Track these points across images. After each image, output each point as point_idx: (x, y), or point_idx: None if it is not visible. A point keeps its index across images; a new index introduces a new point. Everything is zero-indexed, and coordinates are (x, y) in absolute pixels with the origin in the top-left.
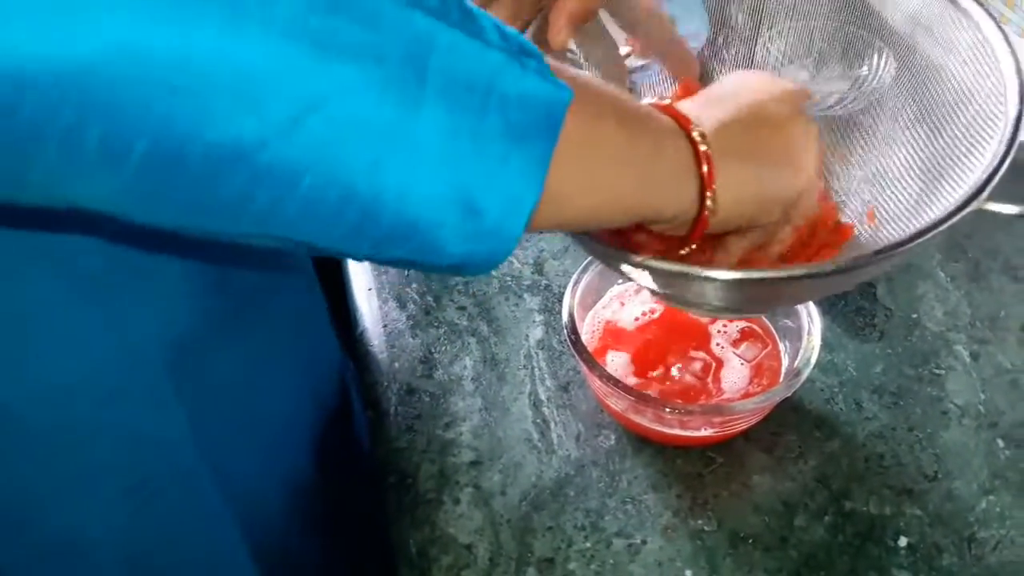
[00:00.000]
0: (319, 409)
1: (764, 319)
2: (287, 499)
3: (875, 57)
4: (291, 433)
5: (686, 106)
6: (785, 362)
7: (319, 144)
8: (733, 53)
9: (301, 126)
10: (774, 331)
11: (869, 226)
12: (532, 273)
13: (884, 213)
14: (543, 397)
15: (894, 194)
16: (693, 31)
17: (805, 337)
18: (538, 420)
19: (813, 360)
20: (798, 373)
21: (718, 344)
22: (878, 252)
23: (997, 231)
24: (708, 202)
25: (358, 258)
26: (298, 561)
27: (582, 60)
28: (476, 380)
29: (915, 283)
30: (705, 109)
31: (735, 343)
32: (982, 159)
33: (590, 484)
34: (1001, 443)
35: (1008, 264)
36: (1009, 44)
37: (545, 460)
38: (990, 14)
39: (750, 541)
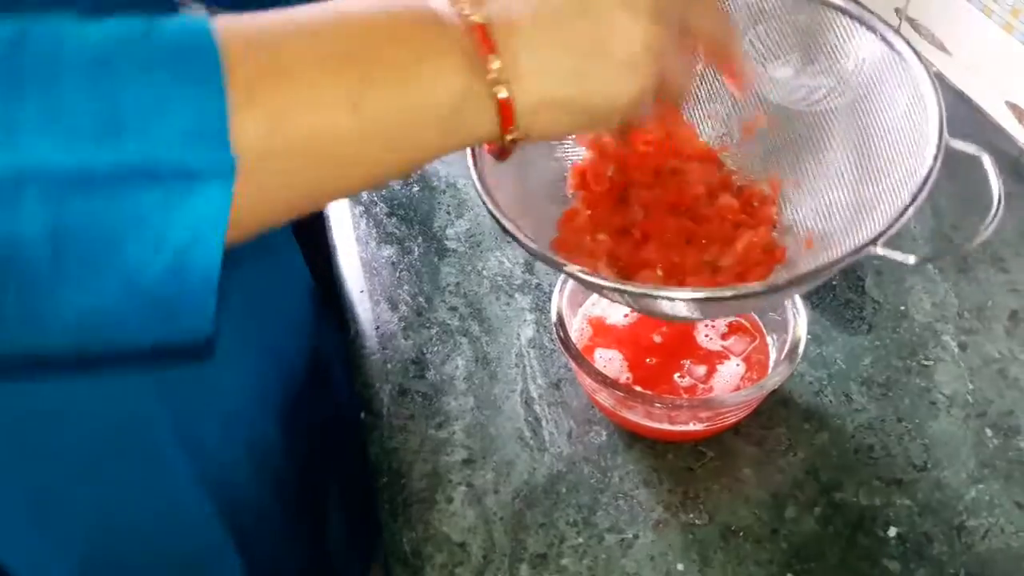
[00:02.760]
0: (287, 377)
1: (752, 314)
2: (255, 466)
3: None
4: (259, 400)
5: None
6: (773, 355)
7: None
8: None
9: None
10: (762, 325)
11: (807, 250)
12: (523, 272)
13: (822, 240)
14: (535, 395)
15: (833, 222)
16: None
17: (792, 330)
18: (530, 418)
19: (800, 353)
20: (785, 366)
21: (707, 337)
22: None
23: (983, 222)
24: (499, 90)
25: None
26: (271, 527)
27: None
28: (468, 379)
29: (903, 275)
30: None
31: (723, 337)
32: (897, 204)
33: (582, 480)
34: (989, 432)
35: (995, 255)
36: (939, 104)
37: (537, 457)
38: (928, 70)
39: (741, 534)
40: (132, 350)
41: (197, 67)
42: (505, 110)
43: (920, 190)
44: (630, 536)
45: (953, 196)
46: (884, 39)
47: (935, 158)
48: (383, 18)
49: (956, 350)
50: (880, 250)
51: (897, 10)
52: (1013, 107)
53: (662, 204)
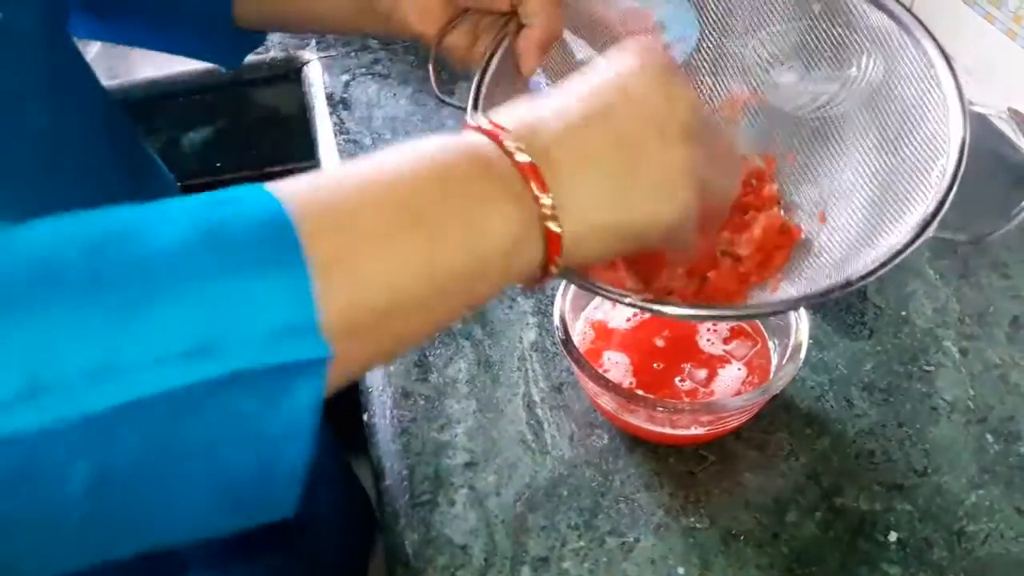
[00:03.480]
0: None
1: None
2: None
3: (863, 58)
4: None
5: (525, 113)
6: (775, 360)
7: None
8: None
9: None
10: (763, 329)
11: (821, 226)
12: None
13: (835, 220)
14: (537, 398)
15: (847, 195)
16: (681, 35)
17: (793, 335)
18: (532, 421)
19: (802, 358)
20: (786, 371)
21: (708, 341)
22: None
23: (986, 228)
24: (551, 225)
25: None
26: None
27: (546, 84)
28: (470, 382)
29: (905, 280)
30: (551, 118)
31: (725, 341)
32: (927, 182)
33: (583, 484)
34: (990, 438)
35: (996, 261)
36: (952, 69)
37: (539, 460)
38: (936, 41)
39: (742, 538)
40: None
41: (280, 257)
42: (553, 243)
43: (960, 160)
44: (631, 540)
45: (955, 200)
46: (885, 10)
47: (964, 126)
48: (436, 173)
49: (957, 356)
50: (939, 233)
51: None
52: (1016, 113)
53: None
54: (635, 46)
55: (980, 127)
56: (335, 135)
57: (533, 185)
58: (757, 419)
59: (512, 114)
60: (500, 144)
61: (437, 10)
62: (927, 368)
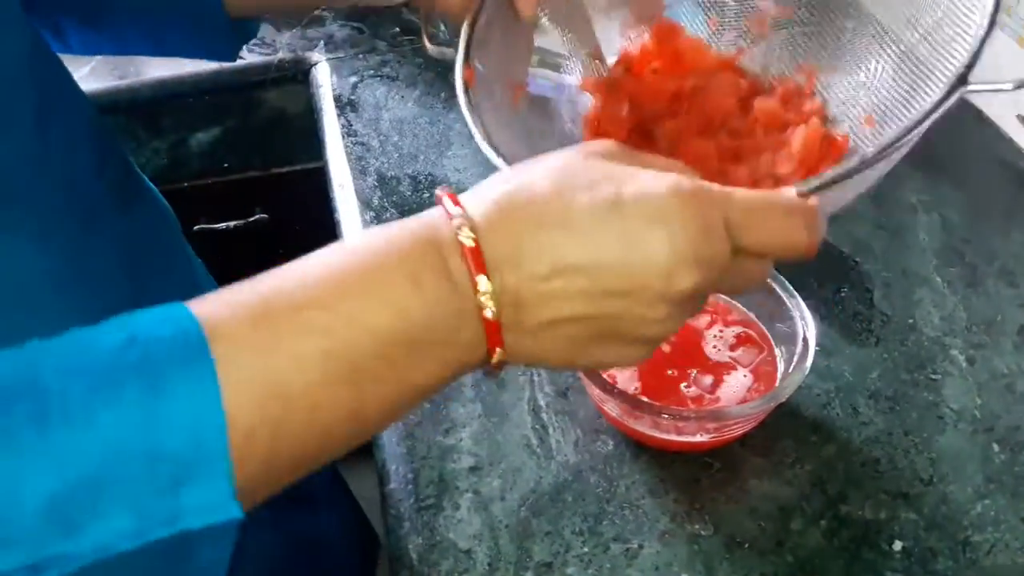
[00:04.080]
0: None
1: (760, 324)
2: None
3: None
4: None
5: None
6: (781, 367)
7: None
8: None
9: None
10: (770, 336)
11: (868, 131)
12: None
13: (883, 116)
14: (542, 403)
15: (891, 93)
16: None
17: (800, 342)
18: (537, 426)
19: (808, 365)
20: (793, 378)
21: (715, 348)
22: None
23: (993, 236)
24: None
25: None
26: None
27: (551, 27)
28: (476, 387)
29: (912, 288)
30: (524, 262)
31: (731, 348)
32: (965, 42)
33: (588, 489)
34: (996, 447)
35: (1004, 269)
36: None
37: (544, 466)
38: None
39: (746, 546)
40: None
41: (198, 409)
42: (492, 330)
43: (993, 17)
44: (635, 546)
45: (964, 208)
46: None
47: None
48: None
49: (964, 364)
50: (973, 86)
51: None
52: None
53: (692, 129)
54: (676, 187)
55: (989, 134)
56: (343, 137)
57: (472, 269)
58: (762, 426)
59: (500, 219)
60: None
61: None
62: (934, 376)
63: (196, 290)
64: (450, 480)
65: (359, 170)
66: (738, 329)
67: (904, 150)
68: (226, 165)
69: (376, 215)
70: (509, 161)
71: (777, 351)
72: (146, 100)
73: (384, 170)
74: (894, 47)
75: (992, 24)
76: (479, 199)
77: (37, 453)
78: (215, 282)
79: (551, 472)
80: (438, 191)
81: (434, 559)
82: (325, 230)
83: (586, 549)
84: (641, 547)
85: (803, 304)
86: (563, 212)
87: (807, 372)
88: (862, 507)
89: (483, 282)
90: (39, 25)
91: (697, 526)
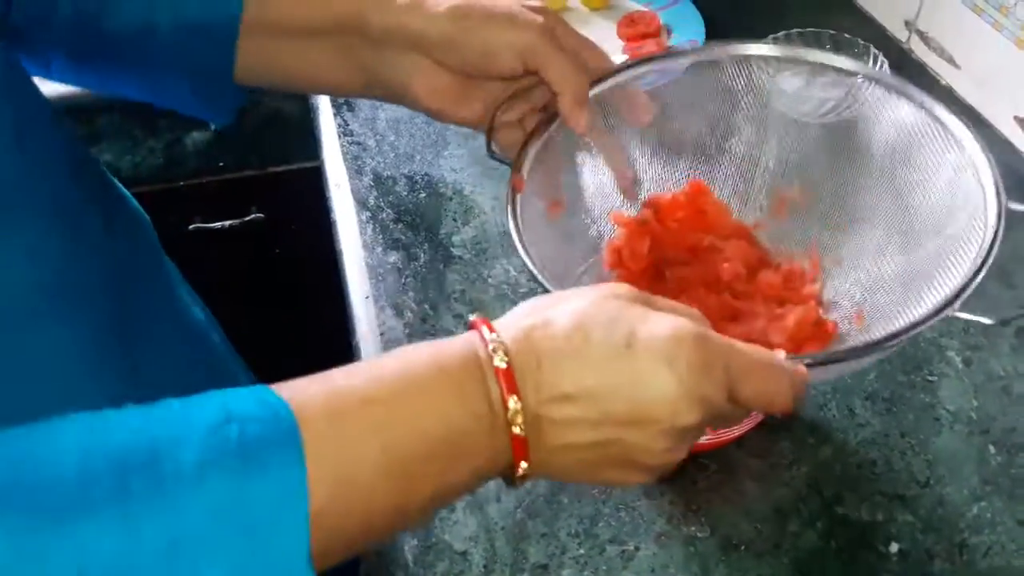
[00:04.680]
0: None
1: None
2: None
3: (869, 64)
4: None
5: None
6: None
7: None
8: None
9: None
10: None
11: (857, 327)
12: (528, 281)
13: (872, 314)
14: None
15: (882, 296)
16: (689, 39)
17: None
18: None
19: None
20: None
21: None
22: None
23: None
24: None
25: None
26: None
27: (591, 145)
28: None
29: None
30: (549, 368)
31: None
32: (960, 270)
33: (584, 491)
34: (992, 449)
35: (1002, 270)
36: (991, 167)
37: None
38: (975, 136)
39: (743, 547)
40: None
41: (284, 498)
42: (519, 446)
43: (990, 250)
44: (631, 548)
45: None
46: (923, 107)
47: (999, 217)
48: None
49: (961, 366)
50: (958, 312)
51: (907, 23)
52: (1022, 122)
53: (700, 281)
54: (684, 331)
55: (986, 135)
56: (339, 136)
57: (506, 391)
58: (759, 428)
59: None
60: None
61: (447, 89)
62: (930, 378)
63: (173, 295)
64: None
65: (355, 170)
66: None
67: (886, 353)
68: (222, 164)
69: (372, 215)
70: (543, 273)
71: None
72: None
73: (380, 170)
74: (898, 257)
75: (985, 263)
76: (510, 327)
77: (154, 511)
78: (188, 284)
79: None
80: (472, 317)
81: (429, 560)
82: (321, 230)
83: (582, 551)
84: (637, 549)
85: None
86: (581, 346)
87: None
88: (858, 509)
89: (513, 402)
90: (23, 51)
91: (693, 528)
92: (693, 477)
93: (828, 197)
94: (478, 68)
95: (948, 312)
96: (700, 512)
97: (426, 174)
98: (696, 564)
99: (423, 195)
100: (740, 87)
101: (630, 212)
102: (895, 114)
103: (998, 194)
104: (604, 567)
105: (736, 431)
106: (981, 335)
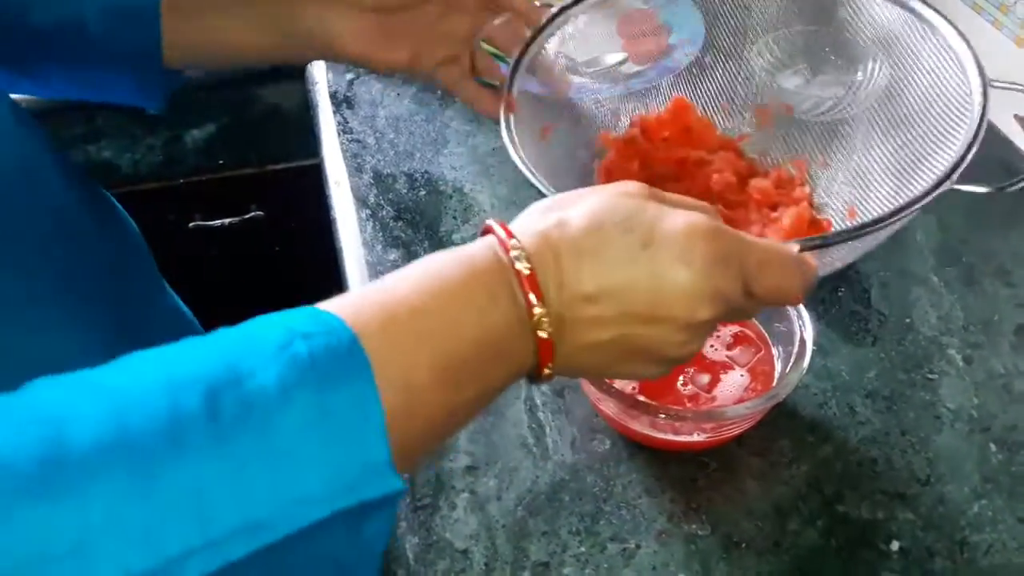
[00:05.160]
0: None
1: (757, 324)
2: None
3: (869, 62)
4: None
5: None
6: (778, 367)
7: None
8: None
9: None
10: (767, 336)
11: (850, 222)
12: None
13: (864, 210)
14: (538, 402)
15: (873, 192)
16: (688, 37)
17: (797, 342)
18: (533, 425)
19: (805, 365)
20: (790, 378)
21: (712, 347)
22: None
23: (991, 236)
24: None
25: None
26: None
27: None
28: None
29: (909, 288)
30: (570, 266)
31: (728, 347)
32: (950, 153)
33: (585, 489)
34: (993, 447)
35: (1001, 269)
36: (969, 46)
37: (540, 465)
38: (951, 22)
39: (743, 545)
40: None
41: (360, 401)
42: (545, 349)
43: (980, 123)
44: (632, 546)
45: (961, 208)
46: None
47: (983, 93)
48: (472, 321)
49: (961, 364)
50: (957, 184)
51: None
52: (1022, 121)
53: (692, 194)
54: (700, 226)
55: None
56: (338, 134)
57: (531, 295)
58: (759, 426)
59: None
60: (512, 266)
61: (370, 32)
62: (931, 376)
63: (164, 292)
64: (446, 479)
65: (355, 167)
66: (735, 328)
67: (892, 229)
68: (221, 162)
69: (372, 212)
70: (546, 184)
71: (774, 351)
72: None
73: (380, 167)
74: (886, 150)
75: (977, 136)
76: (527, 230)
77: (249, 434)
78: (168, 283)
79: (548, 472)
80: (488, 222)
81: (430, 559)
82: (320, 227)
83: (583, 549)
84: (638, 547)
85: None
86: (598, 245)
87: (804, 372)
88: (859, 507)
89: (539, 307)
90: None
91: (694, 526)
92: (693, 475)
93: (811, 105)
94: None
95: (948, 185)
96: (701, 510)
97: (426, 172)
98: (697, 562)
99: (423, 193)
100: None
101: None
102: (872, 12)
103: (980, 73)
104: (605, 565)
105: (736, 429)
106: (981, 333)
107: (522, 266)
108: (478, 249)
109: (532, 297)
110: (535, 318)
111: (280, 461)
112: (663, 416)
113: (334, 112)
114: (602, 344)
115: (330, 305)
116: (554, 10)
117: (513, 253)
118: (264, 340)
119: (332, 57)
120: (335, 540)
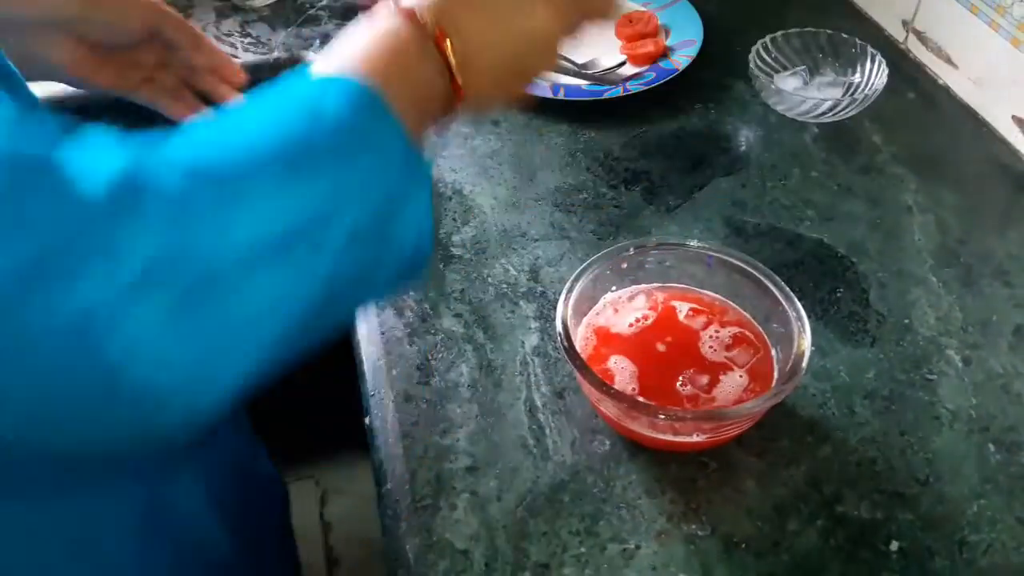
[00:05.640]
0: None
1: (756, 325)
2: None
3: (867, 63)
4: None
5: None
6: (777, 368)
7: None
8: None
9: None
10: (766, 337)
11: None
12: (528, 280)
13: None
14: (539, 403)
15: None
16: (687, 39)
17: (796, 343)
18: (534, 426)
19: (804, 365)
20: (789, 379)
21: (711, 349)
22: None
23: (989, 236)
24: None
25: None
26: None
27: None
28: (472, 387)
29: (907, 288)
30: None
31: (727, 348)
32: None
33: (585, 489)
34: (992, 447)
35: (1000, 269)
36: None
37: (541, 466)
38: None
39: (743, 546)
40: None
41: (383, 118)
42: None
43: None
44: (632, 546)
45: (959, 209)
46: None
47: None
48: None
49: (960, 364)
50: None
51: (904, 23)
52: (1020, 121)
53: None
54: None
55: (984, 135)
56: None
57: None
58: (758, 426)
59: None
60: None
61: (86, 60)
62: (929, 377)
63: None
64: (447, 480)
65: None
66: (734, 329)
67: None
68: None
69: None
70: None
71: (773, 352)
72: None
73: None
74: None
75: None
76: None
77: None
78: None
79: (548, 472)
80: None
81: (431, 559)
82: None
83: (583, 549)
84: (638, 547)
85: (799, 304)
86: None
87: (803, 372)
88: (858, 507)
89: (449, 50)
90: None
91: (694, 526)
92: (693, 476)
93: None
94: (108, 37)
95: None
96: (700, 511)
97: None
98: (697, 562)
99: None
100: None
101: None
102: None
103: None
104: (605, 565)
105: (736, 430)
106: (980, 333)
107: (431, 25)
108: (399, 19)
109: (443, 44)
110: (449, 61)
111: (378, 156)
112: (663, 417)
113: None
114: (497, 65)
115: (319, 63)
116: None
117: (422, 17)
118: (297, 91)
119: (56, 78)
120: (413, 201)
